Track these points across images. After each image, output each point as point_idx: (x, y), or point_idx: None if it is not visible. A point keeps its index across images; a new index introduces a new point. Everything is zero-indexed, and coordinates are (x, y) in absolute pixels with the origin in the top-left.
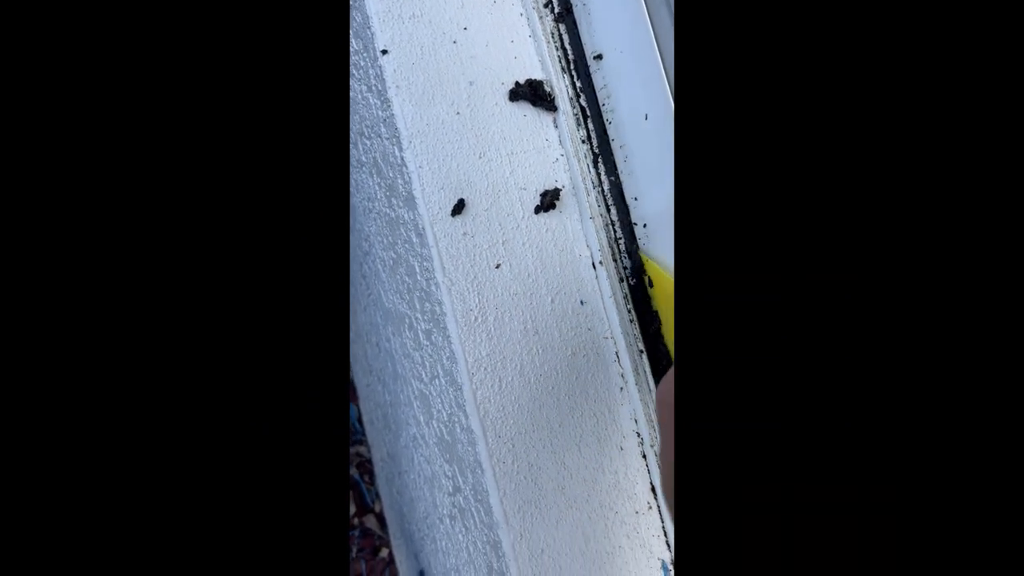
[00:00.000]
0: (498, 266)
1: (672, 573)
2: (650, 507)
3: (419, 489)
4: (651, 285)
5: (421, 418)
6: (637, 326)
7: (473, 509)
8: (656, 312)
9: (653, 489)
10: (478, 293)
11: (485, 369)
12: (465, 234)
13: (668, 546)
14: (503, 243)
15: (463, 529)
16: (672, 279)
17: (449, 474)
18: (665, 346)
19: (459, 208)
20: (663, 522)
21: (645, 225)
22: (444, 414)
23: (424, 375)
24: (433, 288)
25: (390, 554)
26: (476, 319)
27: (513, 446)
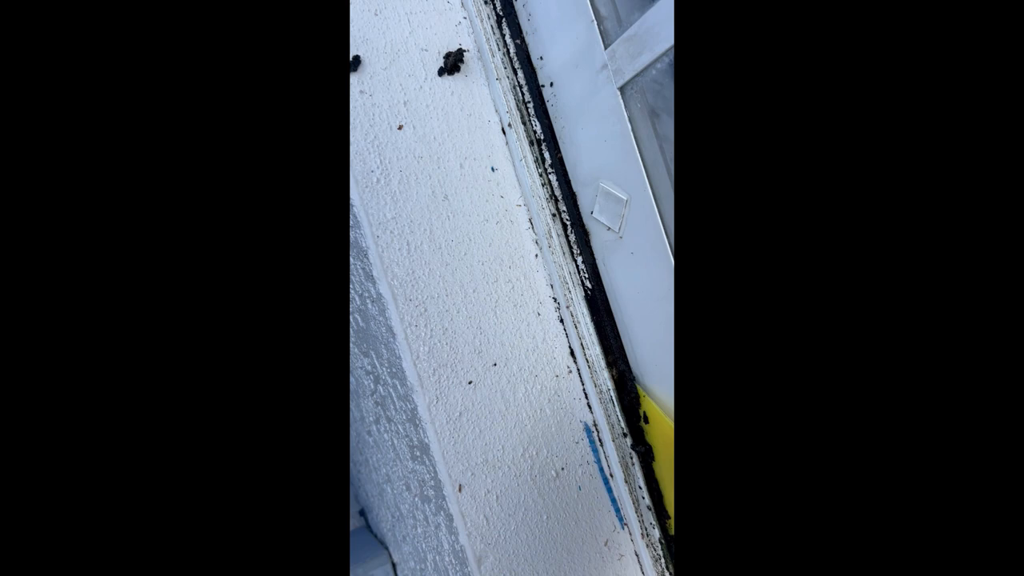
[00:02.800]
0: (400, 127)
1: (595, 434)
2: (570, 371)
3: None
4: (647, 421)
5: None
6: (621, 416)
7: (391, 391)
8: (651, 445)
9: (572, 353)
10: (379, 154)
11: (391, 232)
12: (362, 92)
13: (589, 408)
14: (405, 104)
15: (386, 424)
16: (671, 424)
17: (368, 368)
18: (660, 491)
19: (355, 65)
20: (583, 385)
21: (552, 84)
22: (355, 295)
23: None
24: None
25: None
26: (378, 180)
27: (425, 310)
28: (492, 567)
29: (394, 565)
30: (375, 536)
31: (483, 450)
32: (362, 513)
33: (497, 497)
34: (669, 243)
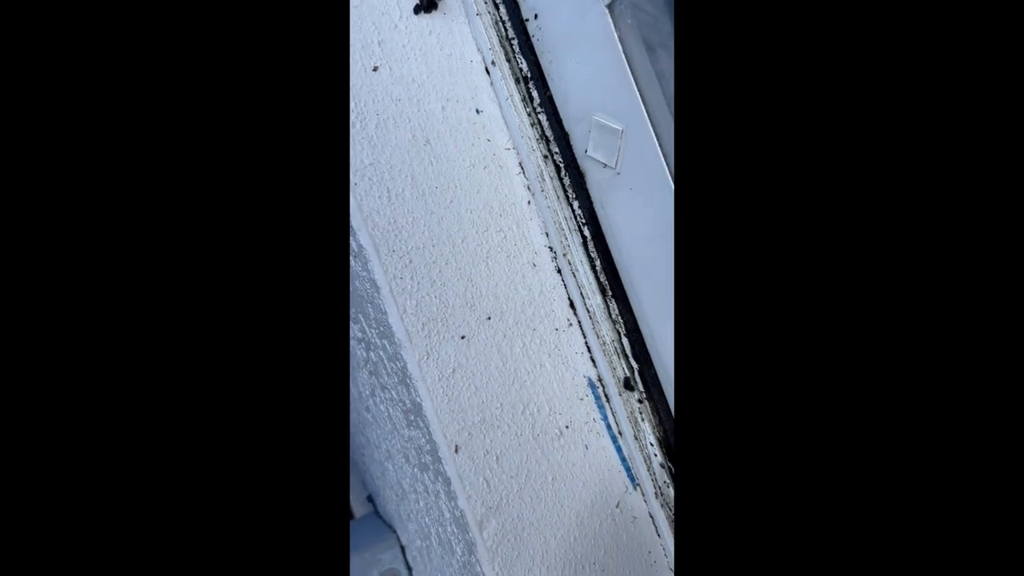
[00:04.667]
0: (375, 69)
1: (600, 390)
2: (570, 324)
3: None
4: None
5: None
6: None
7: (381, 353)
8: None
9: (572, 305)
10: (353, 97)
11: (369, 179)
12: None
13: (593, 362)
14: (379, 44)
15: (381, 392)
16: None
17: (359, 335)
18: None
19: None
20: (585, 338)
21: (536, 16)
22: None
23: None
24: None
25: None
26: (353, 124)
27: (410, 261)
28: (495, 532)
29: (403, 548)
30: (383, 521)
31: (479, 408)
32: (370, 499)
33: (497, 458)
34: (670, 172)
